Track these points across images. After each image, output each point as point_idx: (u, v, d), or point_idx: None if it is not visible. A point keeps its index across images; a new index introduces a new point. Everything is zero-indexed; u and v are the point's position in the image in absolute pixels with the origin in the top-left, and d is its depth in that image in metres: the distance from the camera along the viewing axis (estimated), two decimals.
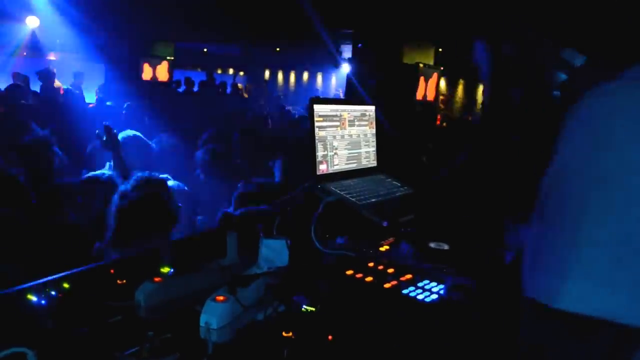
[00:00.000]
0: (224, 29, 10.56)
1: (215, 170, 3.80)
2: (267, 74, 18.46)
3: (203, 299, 1.46)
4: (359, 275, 1.50)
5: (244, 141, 4.57)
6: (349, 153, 1.84)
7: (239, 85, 15.11)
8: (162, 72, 11.85)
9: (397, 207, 1.83)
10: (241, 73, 18.76)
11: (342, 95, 12.77)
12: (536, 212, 0.68)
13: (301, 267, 1.65)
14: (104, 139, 3.30)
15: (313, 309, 1.45)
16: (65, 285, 1.41)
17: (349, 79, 8.94)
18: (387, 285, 1.43)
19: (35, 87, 9.44)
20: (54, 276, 1.39)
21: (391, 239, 1.80)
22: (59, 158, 3.89)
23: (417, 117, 8.87)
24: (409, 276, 1.49)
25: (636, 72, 0.69)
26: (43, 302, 1.34)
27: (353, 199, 1.72)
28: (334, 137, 1.77)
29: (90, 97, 10.39)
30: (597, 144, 0.59)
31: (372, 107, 1.98)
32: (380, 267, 1.55)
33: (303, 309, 1.45)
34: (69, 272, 1.49)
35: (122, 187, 2.29)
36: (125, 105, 8.17)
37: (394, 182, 2.05)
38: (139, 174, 2.32)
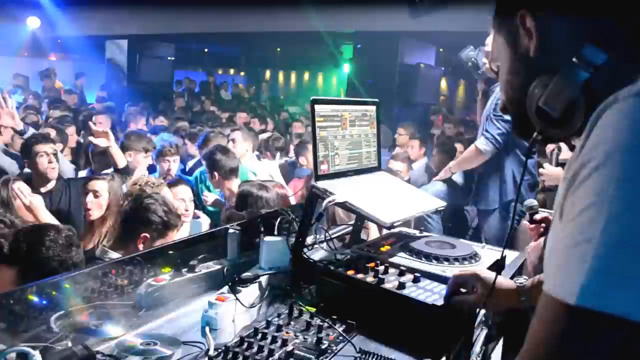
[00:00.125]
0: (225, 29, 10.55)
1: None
2: (267, 74, 18.45)
3: (203, 299, 1.46)
4: (359, 276, 1.49)
5: None
6: (350, 153, 1.84)
7: (240, 85, 15.14)
8: (163, 72, 11.85)
9: (397, 207, 1.83)
10: (242, 73, 18.76)
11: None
12: (556, 210, 0.69)
13: (301, 267, 1.65)
14: None
15: (313, 309, 1.45)
16: (66, 286, 1.40)
17: (349, 79, 8.96)
18: (387, 286, 1.43)
19: (35, 87, 9.46)
20: (54, 276, 1.38)
21: (391, 240, 1.80)
22: None
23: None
24: (409, 276, 1.48)
25: None
26: (44, 302, 1.33)
27: (354, 199, 1.72)
28: (335, 137, 1.77)
29: (91, 97, 10.40)
30: (628, 145, 0.60)
31: (373, 107, 1.98)
32: (381, 268, 1.55)
33: (303, 309, 1.45)
34: (68, 272, 1.49)
35: None
36: (126, 106, 8.18)
37: (394, 182, 2.05)
38: None
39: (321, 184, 1.66)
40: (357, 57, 10.00)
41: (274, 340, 1.26)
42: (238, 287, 1.52)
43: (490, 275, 1.33)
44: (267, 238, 1.74)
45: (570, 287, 0.57)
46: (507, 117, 1.58)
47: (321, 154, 1.71)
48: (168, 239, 2.26)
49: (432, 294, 1.40)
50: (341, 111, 1.80)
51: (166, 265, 1.63)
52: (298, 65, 17.48)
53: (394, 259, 1.60)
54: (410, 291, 1.40)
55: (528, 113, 0.83)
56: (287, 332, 1.32)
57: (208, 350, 1.26)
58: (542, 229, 1.73)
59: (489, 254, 1.72)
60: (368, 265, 1.55)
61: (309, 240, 1.74)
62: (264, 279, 1.62)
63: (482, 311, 1.51)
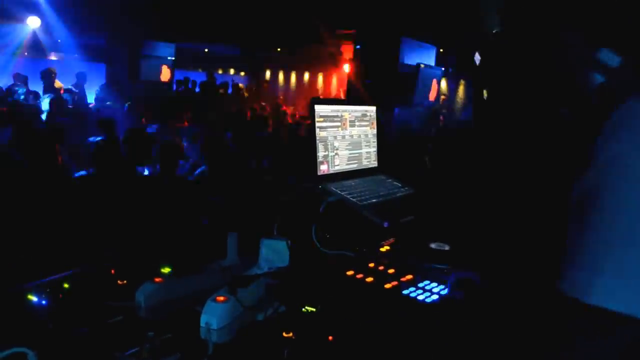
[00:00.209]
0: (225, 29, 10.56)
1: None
2: (267, 74, 18.46)
3: (203, 300, 1.45)
4: (359, 276, 1.49)
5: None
6: (350, 153, 1.84)
7: (240, 85, 15.13)
8: (163, 72, 11.85)
9: (397, 207, 1.83)
10: (242, 73, 18.76)
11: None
12: (572, 211, 0.69)
13: (302, 267, 1.65)
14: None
15: (313, 309, 1.45)
16: (66, 286, 1.41)
17: (349, 79, 8.93)
18: (387, 286, 1.43)
19: (36, 87, 9.46)
20: (54, 276, 1.38)
21: (391, 240, 1.80)
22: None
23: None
24: (409, 276, 1.48)
25: None
26: (43, 302, 1.33)
27: (354, 200, 1.72)
28: (335, 137, 1.77)
29: (91, 97, 10.40)
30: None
31: (373, 108, 1.98)
32: (381, 268, 1.55)
33: (303, 309, 1.45)
34: (69, 272, 1.49)
35: None
36: (126, 105, 8.17)
37: (395, 183, 2.05)
38: None
39: (321, 184, 1.66)
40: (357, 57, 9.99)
41: (274, 340, 1.26)
42: (237, 288, 1.51)
43: None
44: (267, 238, 1.74)
45: (583, 285, 0.58)
46: None
47: (321, 154, 1.71)
48: None
49: (432, 294, 1.40)
50: (341, 111, 1.80)
51: (166, 265, 1.63)
52: (298, 65, 17.49)
53: (394, 259, 1.60)
54: (410, 291, 1.40)
55: None
56: (286, 333, 1.32)
57: (208, 350, 1.26)
58: None
59: None
60: (368, 265, 1.55)
61: (309, 240, 1.74)
62: (263, 279, 1.62)
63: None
